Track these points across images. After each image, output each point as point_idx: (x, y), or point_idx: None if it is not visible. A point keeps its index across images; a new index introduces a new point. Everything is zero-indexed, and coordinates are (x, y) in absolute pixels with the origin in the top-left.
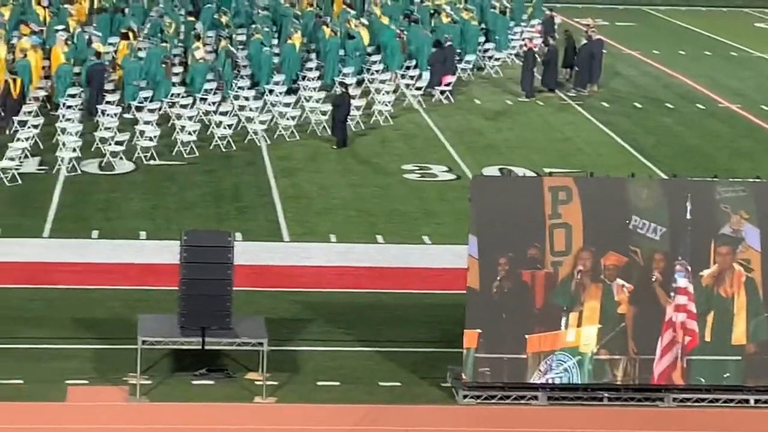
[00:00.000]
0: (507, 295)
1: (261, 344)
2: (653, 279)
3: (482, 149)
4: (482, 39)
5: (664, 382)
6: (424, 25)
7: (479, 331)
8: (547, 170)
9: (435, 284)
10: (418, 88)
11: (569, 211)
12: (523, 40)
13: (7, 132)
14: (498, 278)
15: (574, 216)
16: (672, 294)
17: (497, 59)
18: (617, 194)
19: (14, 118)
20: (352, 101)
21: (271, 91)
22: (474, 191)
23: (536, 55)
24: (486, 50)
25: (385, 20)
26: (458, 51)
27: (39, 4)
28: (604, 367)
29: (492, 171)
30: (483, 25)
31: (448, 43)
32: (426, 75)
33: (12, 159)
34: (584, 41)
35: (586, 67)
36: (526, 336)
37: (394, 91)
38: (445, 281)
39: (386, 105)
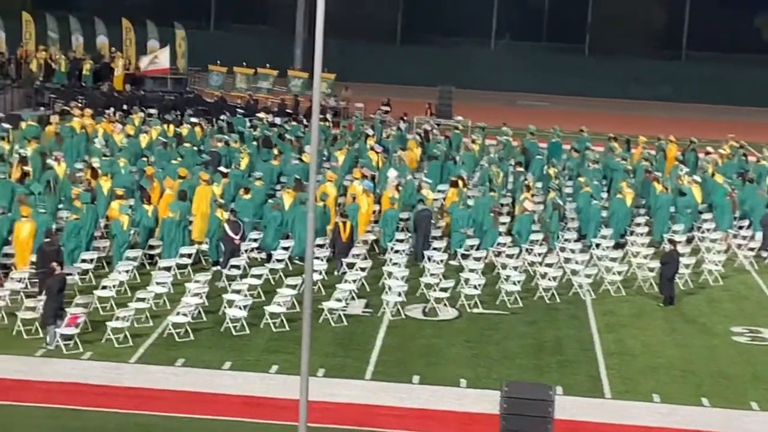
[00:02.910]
0: None
1: None
2: None
3: None
4: None
5: None
6: (760, 185)
7: None
8: None
9: None
10: (751, 249)
11: None
12: None
13: (336, 273)
14: None
15: None
16: None
17: None
18: None
19: (343, 260)
20: (680, 259)
21: (598, 245)
22: None
23: None
24: None
25: (719, 178)
26: None
27: (372, 149)
28: None
29: None
30: None
31: None
32: (759, 236)
33: (339, 300)
34: None
35: None
36: None
37: (725, 251)
38: None
39: (716, 264)
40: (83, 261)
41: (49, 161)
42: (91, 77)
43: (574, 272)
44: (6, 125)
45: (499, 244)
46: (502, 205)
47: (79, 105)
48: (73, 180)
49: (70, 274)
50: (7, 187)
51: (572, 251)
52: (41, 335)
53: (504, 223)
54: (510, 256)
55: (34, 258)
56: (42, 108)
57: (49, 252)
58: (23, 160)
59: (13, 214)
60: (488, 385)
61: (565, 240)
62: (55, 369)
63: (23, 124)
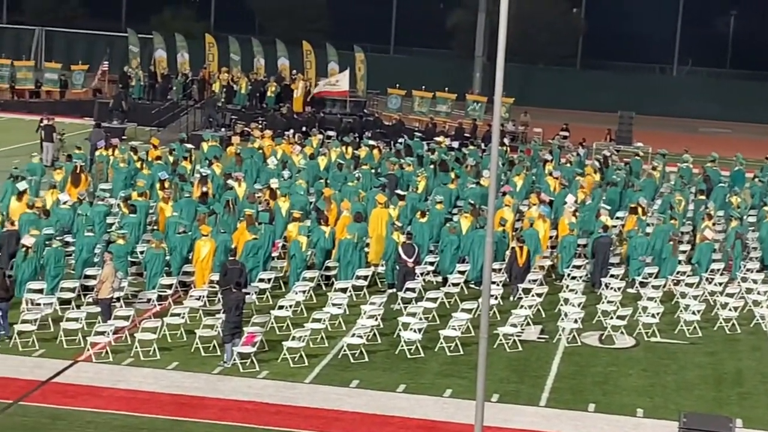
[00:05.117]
0: None
1: None
2: None
3: None
4: None
5: None
6: None
7: None
8: None
9: None
10: None
11: None
12: None
13: (511, 298)
14: None
15: None
16: None
17: None
18: None
19: (519, 285)
20: None
21: None
22: None
23: None
24: None
25: None
26: None
27: (550, 174)
28: None
29: None
30: None
31: None
32: None
33: (514, 326)
34: None
35: None
36: None
37: None
38: None
39: None
40: (260, 281)
41: (230, 181)
42: (274, 99)
43: (756, 303)
44: (188, 145)
45: (678, 272)
46: (682, 233)
47: (260, 126)
48: (251, 201)
49: (248, 293)
50: (190, 206)
51: (754, 282)
52: (219, 353)
53: (684, 252)
54: (690, 285)
55: (213, 277)
56: (223, 129)
57: (232, 270)
58: (204, 180)
59: (193, 232)
60: (665, 415)
61: (747, 270)
62: (231, 387)
63: (205, 145)
